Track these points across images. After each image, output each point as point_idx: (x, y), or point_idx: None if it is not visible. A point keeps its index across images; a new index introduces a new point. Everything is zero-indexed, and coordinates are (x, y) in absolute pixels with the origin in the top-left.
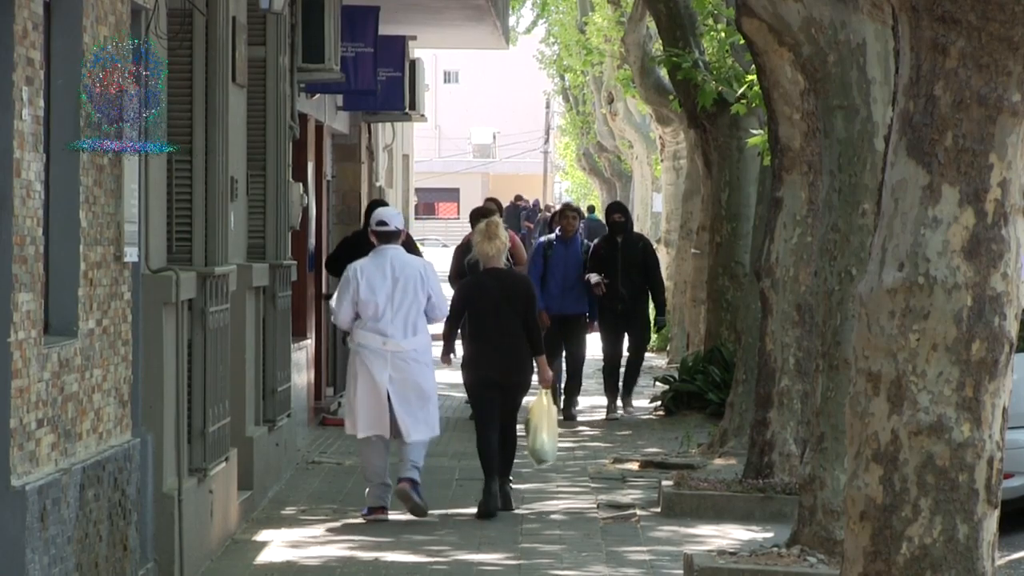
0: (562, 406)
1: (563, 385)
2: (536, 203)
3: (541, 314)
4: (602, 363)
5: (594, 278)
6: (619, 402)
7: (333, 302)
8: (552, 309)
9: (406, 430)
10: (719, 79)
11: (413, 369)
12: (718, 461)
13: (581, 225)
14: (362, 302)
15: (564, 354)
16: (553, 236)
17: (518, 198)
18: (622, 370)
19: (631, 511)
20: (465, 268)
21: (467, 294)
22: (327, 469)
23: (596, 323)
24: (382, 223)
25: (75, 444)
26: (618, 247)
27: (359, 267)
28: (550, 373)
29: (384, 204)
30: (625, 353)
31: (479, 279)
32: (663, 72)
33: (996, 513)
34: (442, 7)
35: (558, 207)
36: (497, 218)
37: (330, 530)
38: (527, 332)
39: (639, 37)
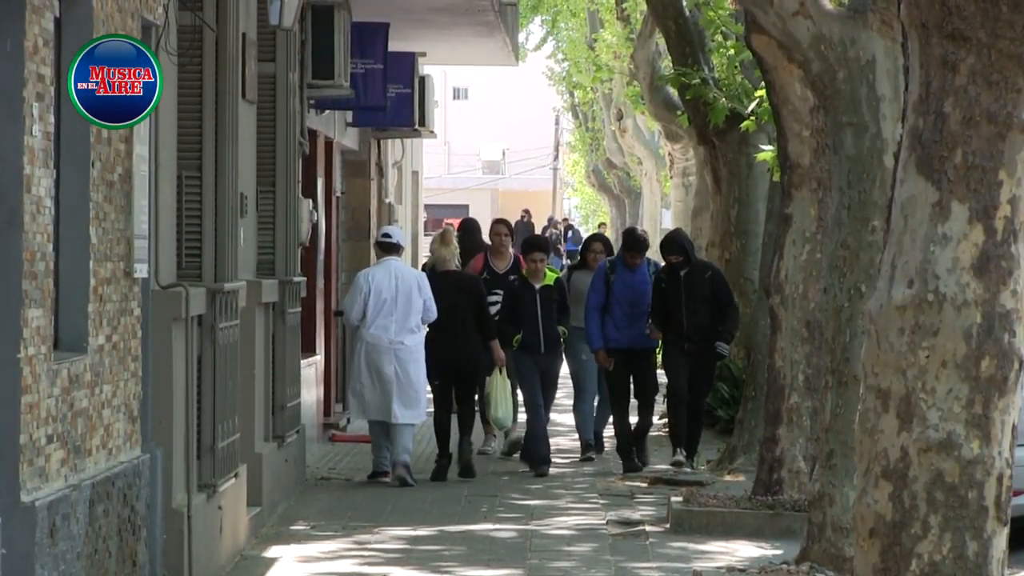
0: (626, 458)
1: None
2: (552, 219)
3: (599, 353)
4: (665, 398)
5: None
6: (681, 452)
7: (344, 303)
8: (618, 343)
9: (401, 414)
10: (728, 96)
11: (411, 363)
12: (727, 478)
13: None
14: (371, 303)
15: (633, 395)
16: (616, 258)
17: (526, 212)
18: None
19: (640, 527)
20: (424, 270)
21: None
22: (336, 485)
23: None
24: (387, 236)
25: (85, 460)
26: (680, 281)
27: (370, 274)
28: (502, 354)
29: (474, 222)
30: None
31: (435, 281)
32: (672, 89)
33: (1006, 530)
34: (452, 23)
35: (566, 221)
36: (451, 228)
37: (340, 546)
38: (479, 324)
39: (648, 54)
